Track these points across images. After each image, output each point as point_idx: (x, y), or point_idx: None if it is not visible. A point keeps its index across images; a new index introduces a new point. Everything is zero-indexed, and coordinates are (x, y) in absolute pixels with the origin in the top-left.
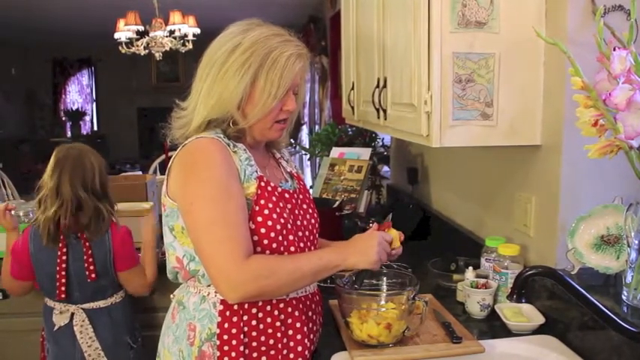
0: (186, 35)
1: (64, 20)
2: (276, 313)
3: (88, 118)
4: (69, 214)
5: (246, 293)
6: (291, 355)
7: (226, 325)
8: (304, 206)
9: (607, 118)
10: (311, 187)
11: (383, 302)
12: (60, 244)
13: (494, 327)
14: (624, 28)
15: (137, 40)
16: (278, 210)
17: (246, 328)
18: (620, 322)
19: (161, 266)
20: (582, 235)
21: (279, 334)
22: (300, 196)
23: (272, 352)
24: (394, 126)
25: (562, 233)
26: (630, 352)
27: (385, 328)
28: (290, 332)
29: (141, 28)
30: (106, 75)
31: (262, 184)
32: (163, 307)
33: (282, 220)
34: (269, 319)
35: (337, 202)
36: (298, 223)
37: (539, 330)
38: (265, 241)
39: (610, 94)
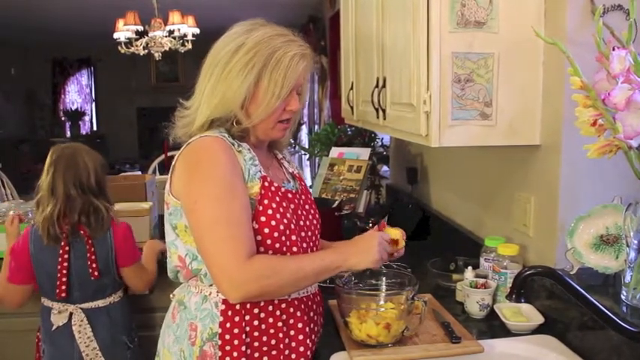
0: (185, 35)
1: (64, 20)
2: (278, 313)
3: (87, 118)
4: (66, 212)
5: (248, 293)
6: (293, 356)
7: (228, 325)
8: (306, 207)
9: (606, 118)
10: (310, 187)
11: (382, 302)
12: (62, 243)
13: (493, 327)
14: (623, 27)
15: (136, 40)
16: (281, 210)
17: (248, 328)
18: (620, 322)
19: (159, 266)
20: (581, 235)
21: (281, 335)
22: (303, 197)
23: (274, 353)
24: (393, 126)
25: (561, 233)
26: (630, 352)
27: (384, 328)
28: (292, 332)
29: (140, 28)
30: (106, 75)
31: (266, 184)
32: (161, 307)
33: (285, 221)
34: (271, 319)
35: (336, 202)
36: (301, 223)
37: (539, 330)
38: (268, 241)
39: (609, 93)
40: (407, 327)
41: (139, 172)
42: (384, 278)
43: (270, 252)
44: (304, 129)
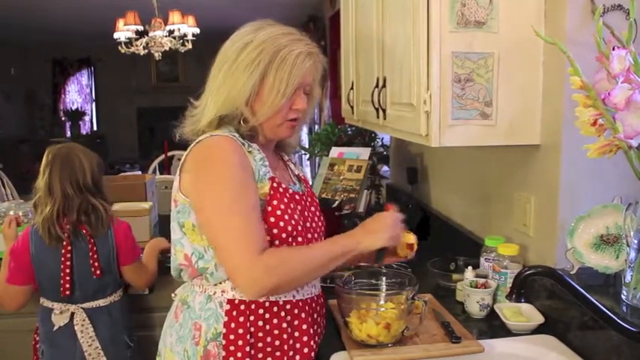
0: (185, 35)
1: (64, 20)
2: (282, 314)
3: (87, 118)
4: (65, 212)
5: (264, 287)
6: (297, 357)
7: (233, 325)
8: (312, 209)
9: (606, 118)
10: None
11: (382, 302)
12: (64, 243)
13: (493, 327)
14: (623, 27)
15: (136, 40)
16: (289, 212)
17: (252, 329)
18: (620, 322)
19: (158, 266)
20: (582, 235)
21: (285, 336)
22: (308, 199)
23: (277, 354)
24: (393, 126)
25: (561, 233)
26: (630, 352)
27: (384, 327)
28: (296, 334)
29: (140, 28)
30: (106, 75)
31: (275, 184)
32: (159, 307)
33: (293, 222)
34: (275, 320)
35: (337, 202)
36: (307, 225)
37: (539, 330)
38: (276, 242)
39: (609, 93)
40: (407, 327)
41: (139, 172)
42: (384, 278)
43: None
44: (304, 129)
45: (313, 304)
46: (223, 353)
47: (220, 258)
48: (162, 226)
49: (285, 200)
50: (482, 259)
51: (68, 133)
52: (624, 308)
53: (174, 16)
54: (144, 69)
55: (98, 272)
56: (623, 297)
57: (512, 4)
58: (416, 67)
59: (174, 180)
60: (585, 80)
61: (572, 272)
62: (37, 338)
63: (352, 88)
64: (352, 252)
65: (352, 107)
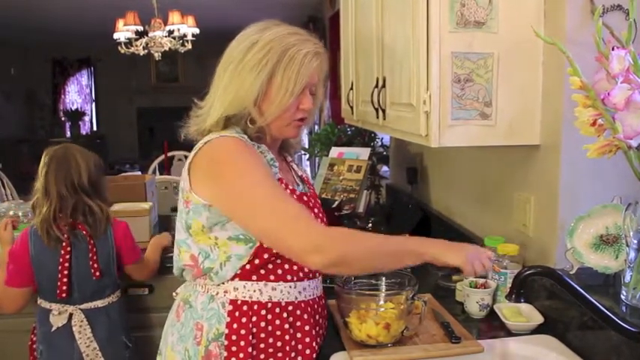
0: (185, 35)
1: (64, 20)
2: (284, 315)
3: (87, 118)
4: (61, 213)
5: (334, 255)
6: (299, 358)
7: (235, 326)
8: (315, 210)
9: (606, 118)
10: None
11: (382, 302)
12: (64, 244)
13: (493, 327)
14: (623, 27)
15: (136, 40)
16: None
17: (254, 329)
18: (619, 322)
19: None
20: (581, 235)
21: (287, 337)
22: (312, 200)
23: (279, 354)
24: (393, 126)
25: (561, 233)
26: (629, 352)
27: (384, 328)
28: (298, 335)
29: (140, 28)
30: (106, 75)
31: (282, 185)
32: (158, 308)
33: None
34: (277, 321)
35: (336, 202)
36: None
37: (538, 330)
38: None
39: (609, 93)
40: (407, 327)
41: (139, 173)
42: (383, 278)
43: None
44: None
45: (315, 306)
46: (225, 354)
47: (280, 240)
48: (162, 227)
49: None
50: None
51: (68, 134)
52: (624, 308)
53: (174, 17)
54: (144, 69)
55: (98, 274)
56: (623, 297)
57: (512, 4)
58: (415, 68)
59: (180, 181)
60: (585, 80)
61: (571, 272)
62: (34, 339)
63: (352, 89)
64: (419, 257)
65: (352, 107)
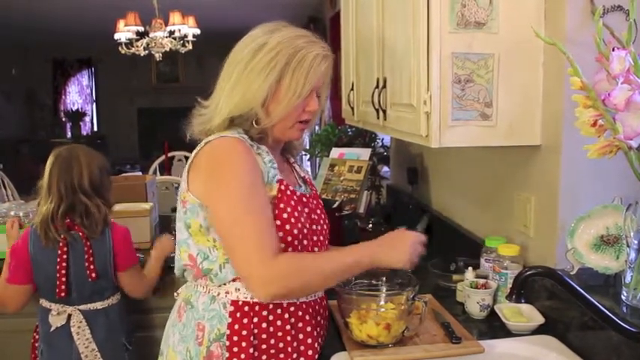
0: (186, 36)
1: (64, 20)
2: (286, 316)
3: (88, 118)
4: (59, 213)
5: (276, 291)
6: (301, 359)
7: (236, 327)
8: (318, 211)
9: (606, 118)
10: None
11: (382, 302)
12: (60, 244)
13: (493, 327)
14: (623, 28)
15: (137, 40)
16: (296, 214)
17: (256, 330)
18: (620, 322)
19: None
20: (582, 235)
21: (289, 338)
22: (314, 201)
23: (281, 355)
24: (394, 126)
25: (562, 233)
26: (629, 352)
27: (384, 328)
28: (300, 336)
29: (141, 28)
30: (106, 75)
31: (282, 187)
32: (160, 308)
33: (299, 225)
34: (279, 322)
35: (337, 203)
36: (314, 227)
37: (539, 330)
38: (282, 245)
39: (609, 94)
40: (407, 327)
41: (140, 173)
42: (384, 278)
43: (290, 252)
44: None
45: (317, 307)
46: (227, 354)
47: (233, 260)
48: (163, 227)
49: (293, 203)
50: (482, 260)
51: (69, 134)
52: (624, 309)
53: (175, 17)
54: (144, 69)
55: (94, 275)
56: (623, 297)
57: (512, 4)
58: (416, 68)
59: (180, 181)
60: (585, 81)
61: (572, 273)
62: (37, 337)
63: (352, 89)
64: (367, 266)
65: (352, 108)
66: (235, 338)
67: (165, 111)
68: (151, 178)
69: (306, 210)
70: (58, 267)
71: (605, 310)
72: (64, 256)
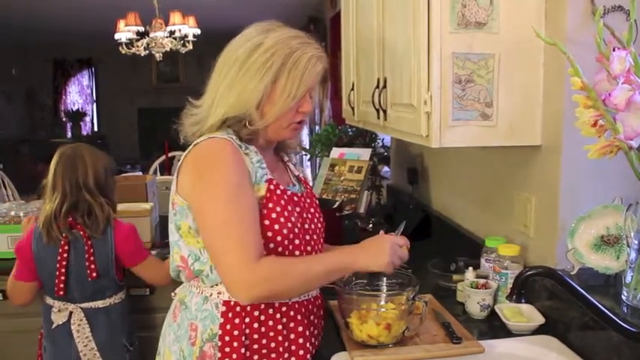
0: (186, 36)
1: (65, 20)
2: (278, 316)
3: (88, 118)
4: (63, 211)
5: (257, 295)
6: (292, 359)
7: (228, 327)
8: (311, 210)
9: (606, 119)
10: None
11: (383, 302)
12: (62, 242)
13: (494, 327)
14: (624, 28)
15: (137, 40)
16: (286, 213)
17: (247, 330)
18: (620, 322)
19: None
20: (582, 236)
21: (280, 338)
22: (308, 200)
23: (273, 355)
24: (394, 126)
25: (562, 233)
26: (630, 352)
27: (385, 328)
28: (292, 336)
29: (141, 28)
30: (107, 75)
31: (271, 187)
32: (161, 308)
33: (289, 224)
34: (271, 322)
35: (337, 203)
36: (306, 226)
37: (539, 330)
38: (271, 245)
39: (609, 94)
40: (407, 327)
41: (140, 173)
42: (384, 279)
43: (273, 255)
44: (305, 129)
45: (310, 306)
46: (219, 354)
47: (215, 262)
48: (163, 227)
49: (283, 202)
50: (482, 260)
51: (69, 134)
52: (624, 309)
53: (175, 17)
54: (145, 70)
55: (94, 274)
56: (624, 298)
57: (513, 5)
58: (416, 68)
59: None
60: (586, 81)
61: (572, 273)
62: (43, 333)
63: (353, 89)
64: (349, 269)
65: (353, 108)
66: (227, 338)
67: (165, 111)
68: (151, 178)
69: (298, 209)
70: (57, 265)
71: (606, 310)
72: (65, 255)
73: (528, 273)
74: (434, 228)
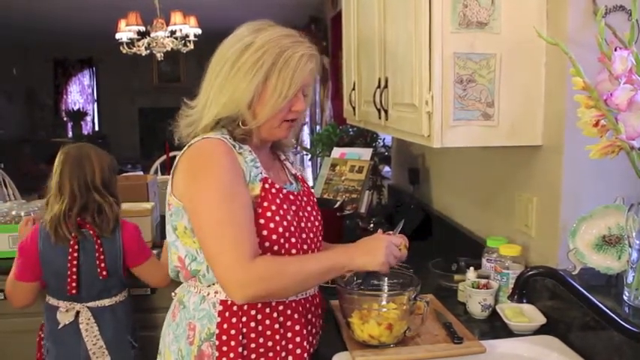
0: (187, 35)
1: (65, 20)
2: (275, 315)
3: (89, 118)
4: (74, 211)
5: (253, 294)
6: (290, 358)
7: (225, 326)
8: (308, 208)
9: (608, 119)
10: (312, 187)
11: (384, 302)
12: (71, 242)
13: (495, 327)
14: (625, 28)
15: (138, 40)
16: (281, 212)
17: (244, 330)
18: (622, 323)
19: None
20: (584, 236)
21: (277, 337)
22: (305, 199)
23: (270, 354)
24: (395, 126)
25: (563, 233)
26: (631, 353)
27: (386, 328)
28: (289, 335)
29: (142, 28)
30: (108, 75)
31: (266, 185)
32: (162, 308)
33: (284, 223)
34: (268, 321)
35: (338, 203)
36: (302, 225)
37: (541, 330)
38: (267, 244)
39: (611, 94)
40: (409, 327)
41: (141, 173)
42: (386, 278)
43: (269, 254)
44: (306, 129)
45: (307, 305)
46: (216, 354)
47: (210, 263)
48: (164, 227)
49: (278, 201)
50: (484, 260)
51: (70, 134)
52: (626, 309)
53: (176, 17)
54: (145, 69)
55: (105, 273)
56: (625, 298)
57: (514, 4)
58: (418, 68)
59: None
60: (587, 81)
61: (574, 273)
62: (42, 335)
63: (354, 89)
64: (345, 269)
65: (354, 108)
66: (224, 337)
67: (166, 111)
68: (152, 177)
69: (293, 207)
70: (69, 265)
71: (607, 311)
72: (75, 254)
73: (530, 273)
74: (435, 228)
